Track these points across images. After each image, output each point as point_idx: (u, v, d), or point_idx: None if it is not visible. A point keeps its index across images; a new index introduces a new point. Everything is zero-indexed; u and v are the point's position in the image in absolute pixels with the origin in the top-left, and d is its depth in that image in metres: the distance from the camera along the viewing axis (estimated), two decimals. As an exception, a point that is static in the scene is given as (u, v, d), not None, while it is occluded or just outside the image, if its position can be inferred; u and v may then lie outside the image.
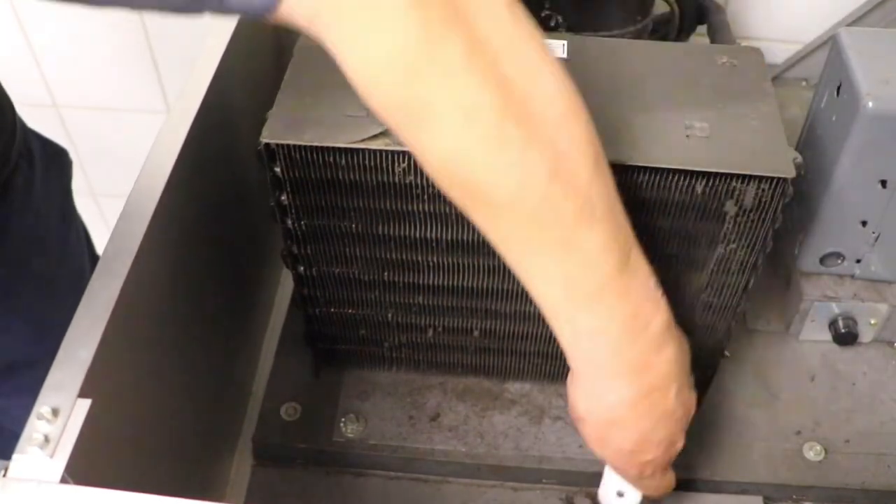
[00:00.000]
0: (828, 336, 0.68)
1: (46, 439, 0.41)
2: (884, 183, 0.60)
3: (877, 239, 0.64)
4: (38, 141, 0.72)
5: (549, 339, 0.61)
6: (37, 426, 0.41)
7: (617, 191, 0.44)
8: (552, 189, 0.40)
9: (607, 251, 0.43)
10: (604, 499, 0.58)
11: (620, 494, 0.57)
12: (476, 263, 0.55)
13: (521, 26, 0.39)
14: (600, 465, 0.61)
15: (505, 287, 0.57)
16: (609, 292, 0.44)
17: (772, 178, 0.49)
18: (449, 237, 0.54)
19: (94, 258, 0.81)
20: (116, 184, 1.12)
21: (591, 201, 0.41)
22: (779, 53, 0.89)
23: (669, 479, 0.56)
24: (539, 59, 0.40)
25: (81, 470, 0.41)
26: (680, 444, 0.53)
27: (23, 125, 0.71)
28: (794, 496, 0.62)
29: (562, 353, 0.62)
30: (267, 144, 0.50)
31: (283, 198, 0.53)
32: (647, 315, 0.46)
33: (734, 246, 0.53)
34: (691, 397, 0.52)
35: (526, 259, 0.44)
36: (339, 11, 0.35)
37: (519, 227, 0.42)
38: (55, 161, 0.75)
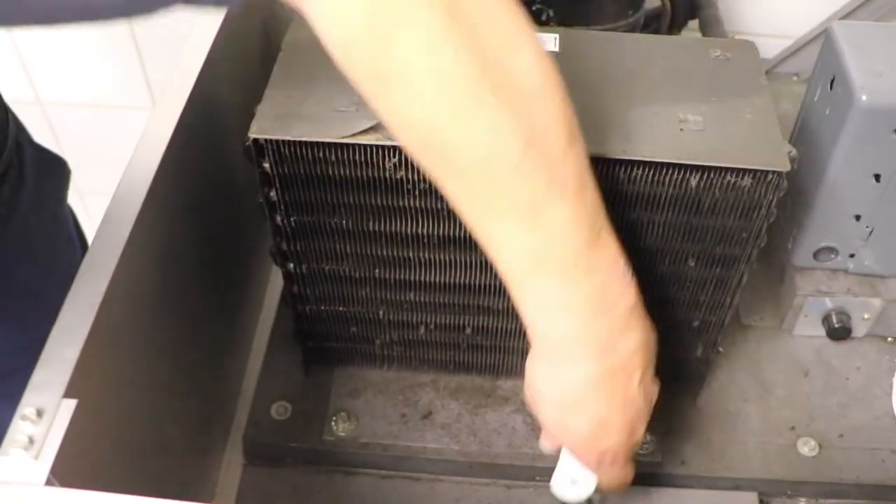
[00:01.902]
0: (821, 331, 0.68)
1: (31, 441, 0.40)
2: (877, 177, 0.60)
3: (870, 233, 0.64)
4: (32, 149, 0.71)
5: (542, 336, 0.60)
6: (21, 427, 0.40)
7: (591, 172, 0.43)
8: (525, 159, 0.40)
9: (577, 226, 0.43)
10: (556, 486, 0.56)
11: (574, 482, 0.55)
12: (468, 259, 0.55)
13: None
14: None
15: (497, 284, 0.56)
16: (576, 266, 0.44)
17: (766, 172, 0.48)
18: (440, 233, 0.53)
19: None
20: (102, 181, 1.11)
21: (563, 176, 0.41)
22: (770, 48, 0.89)
23: (628, 472, 0.54)
24: (519, 31, 0.40)
25: (67, 472, 0.40)
26: (640, 435, 0.52)
27: (16, 135, 0.70)
28: (789, 491, 0.62)
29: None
30: (255, 140, 0.49)
31: (271, 194, 0.52)
32: (614, 294, 0.46)
33: (727, 240, 0.52)
34: (654, 388, 0.52)
35: (493, 226, 0.43)
36: None
37: (488, 195, 0.41)
38: (50, 171, 0.74)
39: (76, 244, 0.80)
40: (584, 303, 0.45)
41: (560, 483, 0.55)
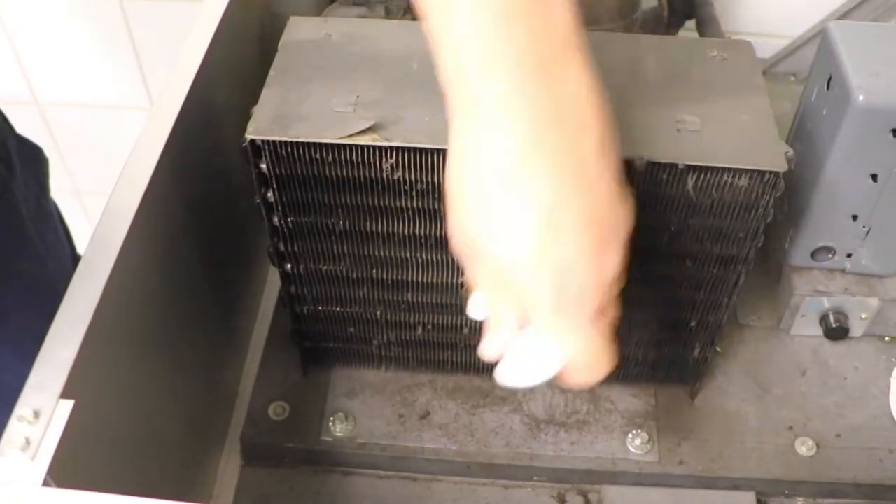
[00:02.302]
0: (819, 331, 0.68)
1: (27, 442, 0.40)
2: (874, 177, 0.60)
3: (868, 233, 0.64)
4: (14, 139, 0.71)
5: (540, 336, 0.60)
6: (17, 428, 0.40)
7: None
8: None
9: None
10: (503, 372, 0.40)
11: (526, 356, 0.39)
12: (465, 260, 0.55)
13: None
14: (592, 462, 0.61)
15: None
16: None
17: (763, 172, 0.48)
18: (438, 233, 0.53)
19: (76, 258, 0.80)
20: (99, 181, 1.11)
21: None
22: (767, 48, 0.89)
23: (603, 340, 0.40)
24: None
25: (64, 473, 0.40)
26: (614, 261, 0.38)
27: (1, 125, 0.70)
28: (787, 491, 0.62)
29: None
30: (252, 140, 0.49)
31: (268, 195, 0.52)
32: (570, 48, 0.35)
33: (725, 240, 0.52)
34: (621, 193, 0.39)
35: None
36: None
37: None
38: (31, 160, 0.74)
39: (62, 236, 0.80)
40: (528, 41, 0.33)
41: (509, 362, 0.40)
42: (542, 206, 0.35)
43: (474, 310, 0.42)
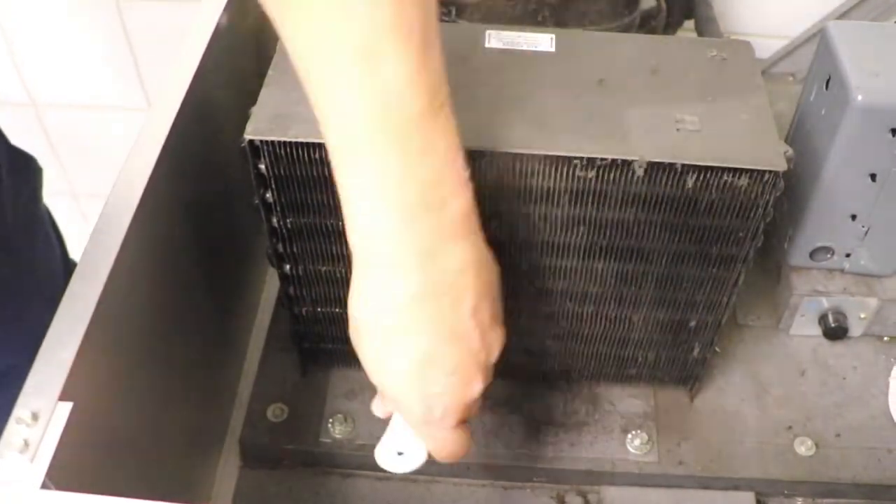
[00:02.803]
0: (818, 331, 0.68)
1: (26, 444, 0.40)
2: (873, 176, 0.60)
3: (866, 233, 0.64)
4: (4, 148, 0.71)
5: (539, 338, 0.60)
6: (16, 430, 0.40)
7: (441, 41, 0.39)
8: None
9: (417, 87, 0.38)
10: (381, 457, 0.49)
11: (401, 453, 0.49)
12: (465, 260, 0.55)
13: None
14: (592, 462, 0.61)
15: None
16: (409, 139, 0.39)
17: (763, 172, 0.48)
18: (437, 234, 0.53)
19: (68, 263, 0.79)
20: (97, 183, 1.11)
21: (409, 20, 0.37)
22: (765, 48, 0.89)
23: (461, 439, 0.48)
24: None
25: (62, 475, 0.40)
26: (478, 388, 0.46)
27: None
28: (786, 491, 0.62)
29: (552, 352, 0.62)
30: (251, 141, 0.49)
31: (267, 195, 0.52)
32: (446, 191, 0.40)
33: (724, 240, 0.52)
34: (495, 333, 0.46)
35: (329, 77, 0.39)
36: None
37: (319, 34, 0.37)
38: (22, 169, 0.74)
39: (54, 243, 0.80)
40: (411, 189, 0.39)
41: (384, 454, 0.49)
42: (417, 355, 0.43)
43: (375, 409, 0.52)
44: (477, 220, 0.43)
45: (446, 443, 0.48)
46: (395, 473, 0.49)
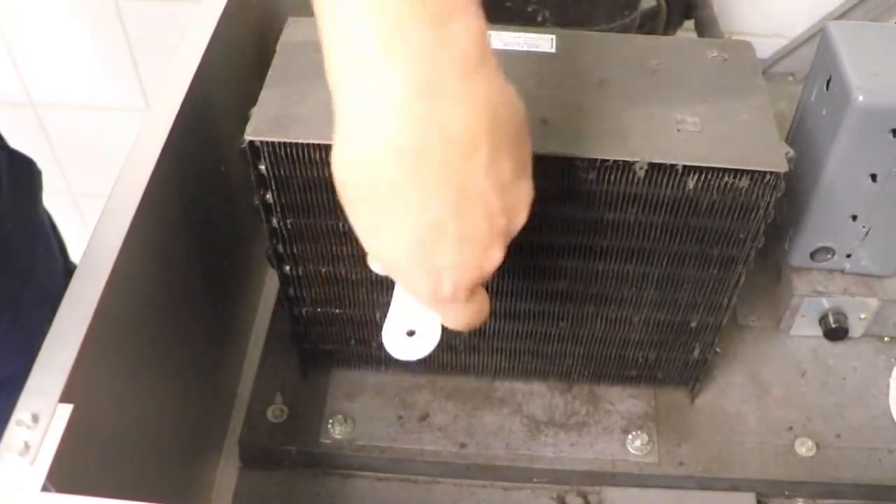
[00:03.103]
0: (818, 331, 0.68)
1: (26, 446, 0.40)
2: (874, 177, 0.60)
3: (867, 233, 0.64)
4: (3, 153, 0.71)
5: (539, 338, 0.60)
6: (16, 433, 0.40)
7: None
8: None
9: None
10: (389, 341, 0.42)
11: (411, 333, 0.41)
12: (465, 261, 0.55)
13: None
14: (592, 463, 0.61)
15: (493, 284, 0.56)
16: None
17: (764, 173, 0.48)
18: (437, 235, 0.53)
19: (68, 267, 0.79)
20: (96, 184, 1.11)
21: None
22: (765, 48, 0.89)
23: (478, 304, 0.40)
24: None
25: (63, 477, 0.40)
26: (496, 258, 0.38)
27: None
28: (787, 492, 0.61)
29: (552, 352, 0.62)
30: (251, 142, 0.49)
31: (267, 196, 0.52)
32: (449, 2, 0.32)
33: (725, 241, 0.52)
34: (519, 187, 0.37)
35: None
36: None
37: None
38: (22, 173, 0.73)
39: (54, 249, 0.79)
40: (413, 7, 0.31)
41: (393, 330, 0.41)
42: (418, 222, 0.36)
43: (373, 264, 0.43)
44: (491, 51, 0.35)
45: (461, 314, 0.40)
46: (410, 361, 0.41)
